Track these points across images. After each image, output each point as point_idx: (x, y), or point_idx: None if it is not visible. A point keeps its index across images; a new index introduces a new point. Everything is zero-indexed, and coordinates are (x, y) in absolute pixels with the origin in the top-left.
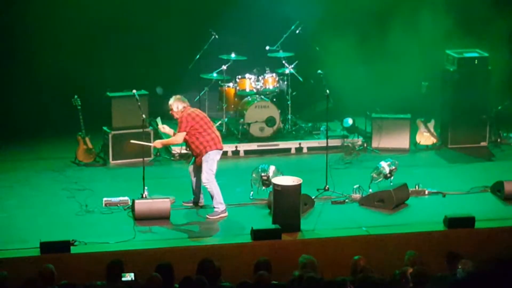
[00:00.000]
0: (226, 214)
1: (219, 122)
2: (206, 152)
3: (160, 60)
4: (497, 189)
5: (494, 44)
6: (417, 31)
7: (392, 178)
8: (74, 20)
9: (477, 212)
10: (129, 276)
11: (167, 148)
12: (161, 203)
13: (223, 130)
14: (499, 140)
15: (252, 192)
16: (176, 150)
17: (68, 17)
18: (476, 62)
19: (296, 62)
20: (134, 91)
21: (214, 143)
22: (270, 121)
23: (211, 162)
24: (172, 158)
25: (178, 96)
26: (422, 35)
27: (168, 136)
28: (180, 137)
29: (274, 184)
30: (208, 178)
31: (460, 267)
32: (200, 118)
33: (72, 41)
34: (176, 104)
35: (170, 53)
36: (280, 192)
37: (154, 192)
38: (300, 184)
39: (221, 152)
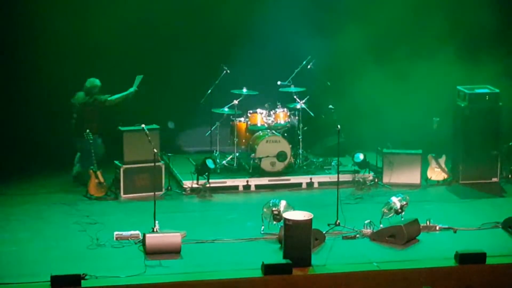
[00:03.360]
0: None
1: (231, 156)
2: None
3: (172, 94)
4: (508, 225)
5: (504, 80)
6: (428, 67)
7: (403, 213)
8: (84, 50)
9: (488, 248)
10: None
11: (178, 182)
12: (172, 238)
13: (234, 165)
14: (510, 176)
15: (263, 227)
16: (187, 184)
17: (79, 48)
18: (487, 98)
19: (308, 97)
20: (143, 125)
21: None
22: (281, 156)
23: None
24: (183, 193)
25: None
26: (433, 71)
27: None
28: None
29: (285, 219)
30: None
31: None
32: None
33: (84, 72)
34: None
35: (183, 87)
36: (291, 226)
37: (165, 227)
38: (311, 219)
39: None
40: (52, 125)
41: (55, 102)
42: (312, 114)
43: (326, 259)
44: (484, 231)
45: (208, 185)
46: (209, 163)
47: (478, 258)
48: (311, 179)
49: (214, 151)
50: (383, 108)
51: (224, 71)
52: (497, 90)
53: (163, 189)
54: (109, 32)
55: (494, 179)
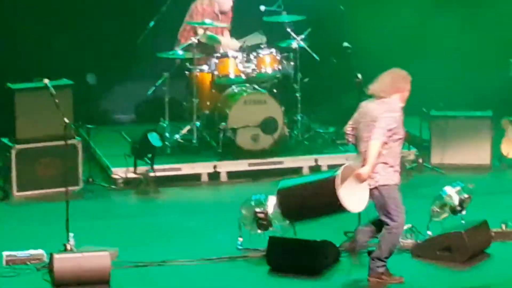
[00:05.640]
0: None
1: (187, 127)
2: None
3: (94, 31)
4: None
5: None
6: None
7: (464, 212)
8: None
9: None
10: None
11: (104, 170)
12: (97, 259)
13: (194, 141)
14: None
15: (241, 239)
16: (118, 173)
17: None
18: None
19: (309, 30)
20: (46, 80)
21: None
22: (268, 125)
23: None
24: (113, 187)
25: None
26: None
27: None
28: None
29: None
30: None
31: None
32: None
33: None
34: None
35: (109, 19)
36: None
37: (84, 242)
38: None
39: None
40: None
41: None
42: (317, 58)
43: None
44: None
45: (152, 175)
46: (153, 139)
47: None
48: (316, 161)
49: (161, 120)
50: (431, 48)
51: None
52: None
53: (81, 182)
54: None
55: None
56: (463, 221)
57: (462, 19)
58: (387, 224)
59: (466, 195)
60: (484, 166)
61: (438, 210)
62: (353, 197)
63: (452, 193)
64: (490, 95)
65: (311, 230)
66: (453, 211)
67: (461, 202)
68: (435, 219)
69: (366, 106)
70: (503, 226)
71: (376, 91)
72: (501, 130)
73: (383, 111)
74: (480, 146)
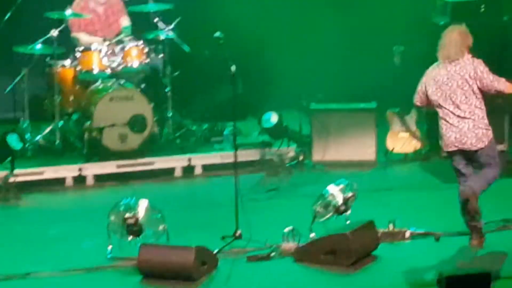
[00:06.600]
0: None
1: (49, 128)
2: None
3: None
4: None
5: None
6: None
7: (348, 212)
8: None
9: (494, 263)
10: None
11: None
12: None
13: (57, 142)
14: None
15: (110, 247)
16: None
17: None
18: (482, 9)
19: (178, 19)
20: None
21: None
22: (136, 123)
23: None
24: None
25: None
26: None
27: None
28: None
29: None
30: None
31: None
32: None
33: None
34: None
35: None
36: None
37: None
38: None
39: None
40: None
41: None
42: (187, 49)
43: None
44: (487, 237)
45: (11, 180)
46: (12, 140)
47: (479, 282)
48: (190, 160)
49: (21, 120)
50: (308, 35)
51: None
52: None
53: None
54: None
55: (501, 147)
56: (348, 222)
57: (341, 8)
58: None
59: (350, 193)
60: (369, 162)
61: (321, 210)
62: None
63: (336, 192)
64: (373, 86)
65: (185, 235)
66: (337, 210)
67: (346, 201)
68: (319, 220)
69: (445, 68)
70: (391, 226)
71: (452, 55)
72: (386, 123)
73: (476, 70)
74: (365, 141)
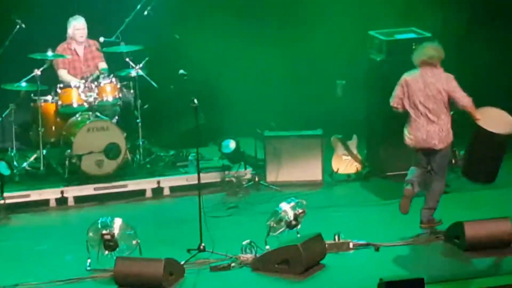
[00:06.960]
0: None
1: (34, 156)
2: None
3: None
4: (454, 235)
5: (440, 13)
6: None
7: (299, 226)
8: None
9: (427, 270)
10: None
11: None
12: None
13: (41, 168)
14: (453, 161)
15: (89, 260)
16: None
17: None
18: (414, 47)
19: (147, 59)
20: None
21: None
22: (111, 151)
23: None
24: None
25: None
26: (334, 15)
27: None
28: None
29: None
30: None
31: None
32: None
33: None
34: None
35: None
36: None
37: None
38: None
39: None
40: None
41: None
42: (155, 85)
43: None
44: (419, 247)
45: (1, 202)
46: (1, 167)
47: (413, 286)
48: (159, 183)
49: (9, 149)
50: (261, 71)
51: (18, 26)
52: (429, 34)
53: None
54: None
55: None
56: (298, 235)
57: (290, 47)
58: None
59: (300, 210)
60: (316, 182)
61: (275, 225)
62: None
63: (287, 209)
64: (319, 115)
65: (156, 249)
66: (289, 225)
67: (296, 217)
68: (273, 233)
69: (422, 78)
70: (336, 238)
71: (435, 59)
72: (331, 147)
73: (449, 84)
74: (312, 163)
